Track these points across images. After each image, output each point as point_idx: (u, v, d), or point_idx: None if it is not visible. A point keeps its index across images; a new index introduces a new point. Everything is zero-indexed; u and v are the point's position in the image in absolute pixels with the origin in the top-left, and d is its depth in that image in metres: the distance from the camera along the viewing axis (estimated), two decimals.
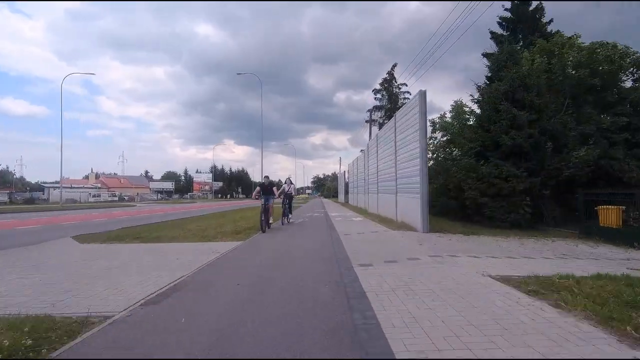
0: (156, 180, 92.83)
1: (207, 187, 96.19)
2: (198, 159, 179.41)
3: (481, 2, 31.62)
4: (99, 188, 59.47)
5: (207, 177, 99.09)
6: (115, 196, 56.14)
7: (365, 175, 20.87)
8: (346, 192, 38.93)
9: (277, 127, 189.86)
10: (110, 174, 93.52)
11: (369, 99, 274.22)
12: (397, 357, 2.37)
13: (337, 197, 73.27)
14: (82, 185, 56.72)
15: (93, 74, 38.28)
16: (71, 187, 54.34)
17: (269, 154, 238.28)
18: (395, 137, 12.33)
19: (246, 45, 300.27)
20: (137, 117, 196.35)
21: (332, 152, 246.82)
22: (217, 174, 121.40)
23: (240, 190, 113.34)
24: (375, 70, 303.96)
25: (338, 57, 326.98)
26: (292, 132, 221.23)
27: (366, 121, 34.97)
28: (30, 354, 2.47)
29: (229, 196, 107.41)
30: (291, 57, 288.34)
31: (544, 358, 2.35)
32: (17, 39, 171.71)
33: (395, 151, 12.33)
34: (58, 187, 38.89)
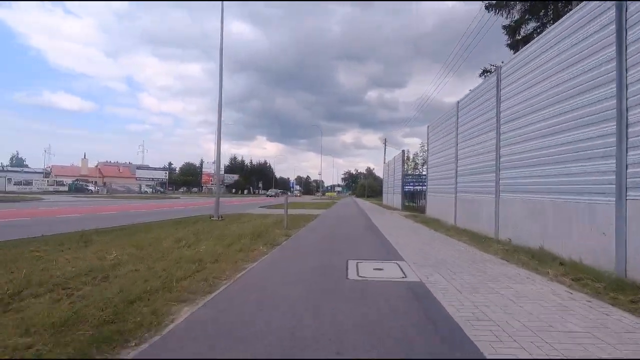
0: (144, 168, 76.97)
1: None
2: (230, 154, 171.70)
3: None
4: (47, 174, 47.26)
5: (221, 169, 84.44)
6: (63, 185, 42.66)
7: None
8: (409, 193, 21.88)
9: (307, 125, 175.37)
10: (125, 163, 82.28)
11: (400, 97, 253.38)
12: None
13: (374, 196, 55.21)
14: (21, 169, 45.13)
15: None
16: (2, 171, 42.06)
17: (299, 152, 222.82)
18: None
19: (278, 43, 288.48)
20: (174, 113, 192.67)
21: (363, 151, 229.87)
22: (237, 166, 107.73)
23: (260, 185, 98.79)
24: (406, 70, 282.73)
25: (369, 54, 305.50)
26: (322, 130, 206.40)
27: (504, 26, 15.62)
28: None
29: (245, 191, 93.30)
30: (321, 55, 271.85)
31: None
32: (67, 37, 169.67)
33: None
34: None
